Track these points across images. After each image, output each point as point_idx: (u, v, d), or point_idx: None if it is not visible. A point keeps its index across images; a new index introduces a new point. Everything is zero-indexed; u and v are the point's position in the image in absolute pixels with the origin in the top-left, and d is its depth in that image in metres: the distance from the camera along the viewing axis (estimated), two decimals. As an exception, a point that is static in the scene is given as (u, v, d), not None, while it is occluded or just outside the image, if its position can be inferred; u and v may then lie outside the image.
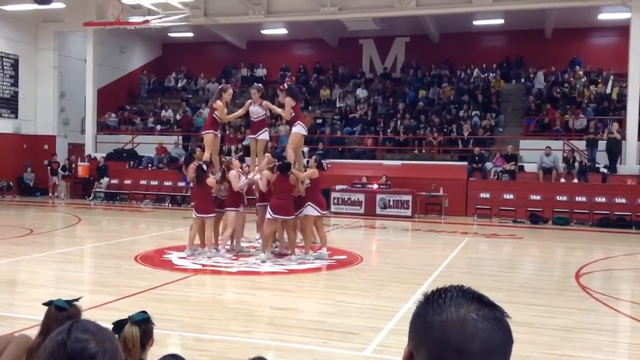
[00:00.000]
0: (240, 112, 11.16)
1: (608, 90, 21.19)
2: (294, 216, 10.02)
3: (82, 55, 24.43)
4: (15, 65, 23.45)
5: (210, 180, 9.99)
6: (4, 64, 23.01)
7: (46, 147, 23.98)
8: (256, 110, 10.85)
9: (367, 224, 16.97)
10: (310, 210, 10.00)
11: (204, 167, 10.03)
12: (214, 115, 10.64)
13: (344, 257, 10.71)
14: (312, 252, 10.26)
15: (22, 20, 23.01)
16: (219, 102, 10.56)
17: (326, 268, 9.73)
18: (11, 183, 22.46)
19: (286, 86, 10.92)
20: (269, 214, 9.84)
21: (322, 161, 10.38)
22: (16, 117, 23.54)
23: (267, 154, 10.77)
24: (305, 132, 10.59)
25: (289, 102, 10.40)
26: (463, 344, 1.05)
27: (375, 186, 18.91)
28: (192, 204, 10.79)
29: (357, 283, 8.61)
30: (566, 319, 6.69)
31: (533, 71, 23.43)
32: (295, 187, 9.96)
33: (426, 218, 18.11)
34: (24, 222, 15.40)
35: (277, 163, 10.12)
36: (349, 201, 18.81)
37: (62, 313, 2.51)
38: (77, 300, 2.70)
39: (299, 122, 10.39)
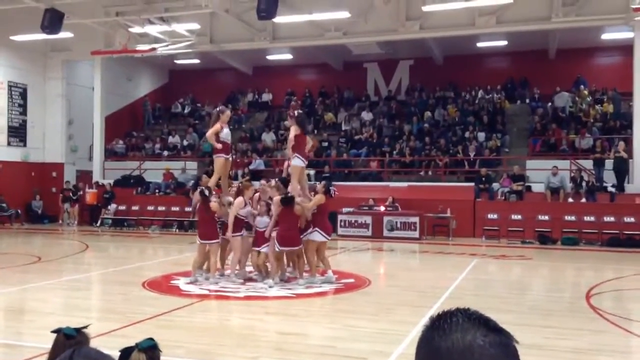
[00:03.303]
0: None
1: (611, 109, 21.26)
2: (300, 246, 10.00)
3: (90, 83, 24.74)
4: (23, 94, 23.74)
5: (213, 204, 10.00)
6: (13, 93, 23.30)
7: (54, 174, 24.15)
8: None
9: (374, 246, 16.90)
10: (317, 235, 9.99)
11: (206, 192, 10.05)
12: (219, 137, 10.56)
13: (351, 280, 10.65)
14: (319, 276, 10.22)
15: (31, 50, 23.35)
16: (217, 125, 10.49)
17: (334, 292, 9.68)
18: (19, 211, 22.57)
19: (296, 114, 10.84)
20: (276, 247, 9.86)
21: (330, 187, 10.38)
22: (25, 145, 23.76)
23: (275, 183, 10.77)
24: (303, 164, 10.55)
25: (293, 130, 10.46)
26: None
27: (382, 208, 18.88)
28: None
29: (365, 307, 8.55)
30: (577, 340, 6.61)
31: (537, 92, 23.52)
32: (301, 217, 9.95)
33: (434, 240, 18.02)
34: (32, 250, 15.44)
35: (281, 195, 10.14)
36: (355, 224, 18.77)
37: (70, 341, 2.50)
38: (85, 327, 2.69)
39: (296, 154, 10.35)
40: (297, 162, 10.39)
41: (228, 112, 10.99)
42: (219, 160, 10.64)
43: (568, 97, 22.39)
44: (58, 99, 24.47)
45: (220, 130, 10.51)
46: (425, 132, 22.52)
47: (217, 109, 11.12)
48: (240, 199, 10.23)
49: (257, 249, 10.34)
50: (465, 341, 1.06)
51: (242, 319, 7.96)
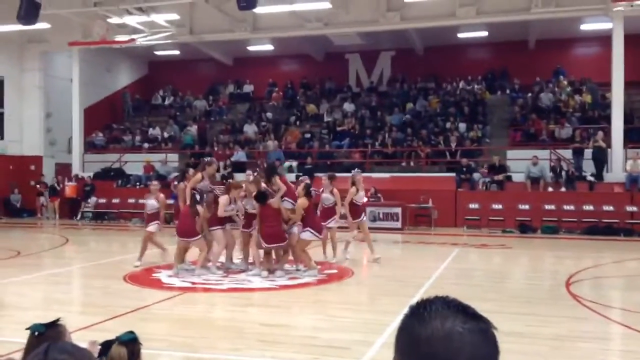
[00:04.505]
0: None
1: (589, 100, 21.51)
2: (286, 242, 9.98)
3: (68, 74, 24.37)
4: (0, 86, 23.33)
5: (202, 210, 10.03)
6: (-11, 85, 22.91)
7: (33, 167, 23.82)
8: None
9: (357, 237, 16.92)
10: (309, 235, 9.97)
11: (197, 197, 10.02)
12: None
13: (334, 271, 10.68)
14: (287, 266, 10.31)
15: (7, 41, 22.94)
16: (198, 175, 10.27)
17: (317, 283, 9.69)
18: (-3, 205, 22.25)
19: (264, 166, 10.81)
20: (263, 244, 9.84)
21: (310, 189, 10.37)
22: (2, 138, 23.41)
23: (251, 176, 10.77)
24: (291, 207, 10.16)
25: (278, 182, 10.04)
26: (449, 359, 1.05)
27: (365, 199, 18.90)
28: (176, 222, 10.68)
29: (348, 297, 8.58)
30: (557, 327, 6.70)
31: (517, 83, 23.68)
32: (280, 210, 9.85)
33: (416, 230, 18.12)
34: (11, 244, 15.22)
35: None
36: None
37: (40, 338, 2.46)
38: (57, 321, 2.65)
39: (286, 198, 10.07)
40: (285, 205, 9.98)
41: (215, 166, 10.85)
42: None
43: (550, 92, 22.58)
44: (35, 91, 24.10)
45: (201, 180, 10.30)
46: (407, 123, 22.58)
47: (205, 159, 11.03)
48: (226, 197, 10.18)
49: (248, 230, 10.30)
50: (445, 328, 1.07)
51: (224, 311, 7.94)
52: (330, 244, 11.74)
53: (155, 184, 11.65)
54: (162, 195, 11.28)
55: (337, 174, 20.80)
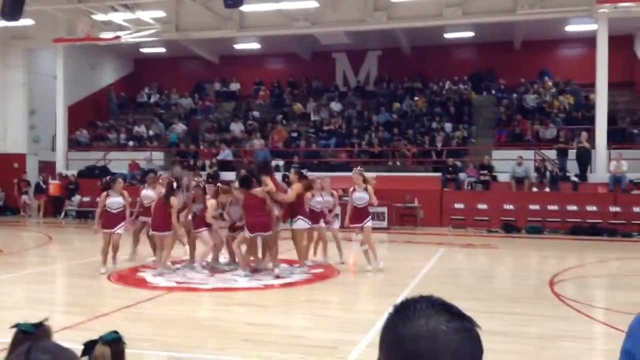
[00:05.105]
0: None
1: (572, 101, 21.72)
2: (271, 232, 9.95)
3: (52, 71, 24.09)
4: (-17, 83, 23.06)
5: (174, 201, 9.77)
6: (-28, 81, 22.59)
7: (16, 165, 23.55)
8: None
9: (343, 236, 16.91)
10: (301, 223, 10.04)
11: (174, 185, 9.90)
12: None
13: (321, 270, 10.68)
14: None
15: (-10, 37, 22.68)
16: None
17: (303, 282, 9.68)
18: (-20, 203, 21.97)
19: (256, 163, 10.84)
20: (246, 233, 9.77)
21: (301, 171, 10.41)
22: (-16, 135, 23.11)
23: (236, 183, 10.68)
24: (308, 225, 10.36)
25: (267, 181, 9.88)
26: (434, 357, 1.05)
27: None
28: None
29: (334, 296, 8.58)
30: (541, 327, 6.75)
31: (503, 83, 23.84)
32: (265, 200, 9.80)
33: (402, 229, 18.17)
34: (-7, 243, 15.05)
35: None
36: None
37: (27, 336, 2.43)
38: (44, 321, 2.62)
39: (299, 216, 10.16)
40: (300, 225, 10.04)
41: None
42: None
43: (534, 93, 22.76)
44: (19, 88, 23.81)
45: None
46: (394, 122, 22.64)
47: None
48: (214, 201, 10.12)
49: (232, 233, 10.28)
50: (429, 327, 1.07)
51: (209, 310, 7.91)
52: (324, 245, 11.65)
53: (120, 181, 10.98)
54: (126, 192, 10.90)
55: (323, 174, 20.91)
